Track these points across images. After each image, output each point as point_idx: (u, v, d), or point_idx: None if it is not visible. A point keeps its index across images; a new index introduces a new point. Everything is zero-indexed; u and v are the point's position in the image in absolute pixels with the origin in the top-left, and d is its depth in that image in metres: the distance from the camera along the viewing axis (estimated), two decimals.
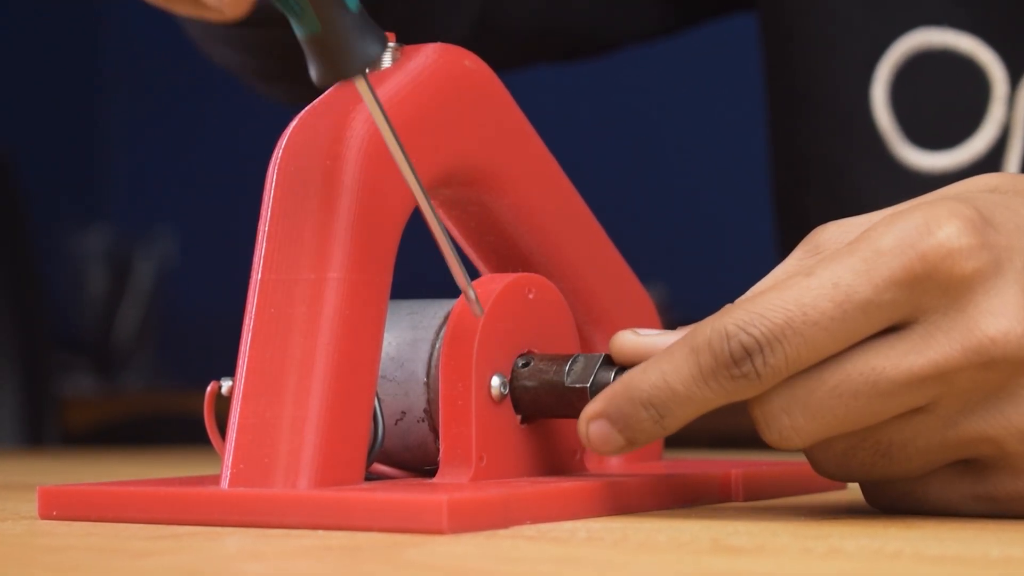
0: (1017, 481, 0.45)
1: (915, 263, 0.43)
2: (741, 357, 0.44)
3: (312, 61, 0.46)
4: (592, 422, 0.46)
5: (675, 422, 0.46)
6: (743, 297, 0.46)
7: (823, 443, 0.46)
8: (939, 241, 0.44)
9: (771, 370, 0.44)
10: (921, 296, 0.44)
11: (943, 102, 0.71)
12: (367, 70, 0.46)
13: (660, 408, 0.45)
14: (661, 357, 0.46)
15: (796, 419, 0.44)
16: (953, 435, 0.45)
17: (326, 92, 0.50)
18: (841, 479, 0.47)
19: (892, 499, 0.47)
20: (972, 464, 0.46)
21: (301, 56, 0.46)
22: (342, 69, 0.46)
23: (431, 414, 0.50)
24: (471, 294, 0.48)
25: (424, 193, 0.48)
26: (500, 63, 0.53)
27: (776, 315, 0.44)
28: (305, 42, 0.46)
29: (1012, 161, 0.70)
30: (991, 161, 0.70)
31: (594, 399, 0.47)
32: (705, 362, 0.44)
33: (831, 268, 0.44)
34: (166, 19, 0.74)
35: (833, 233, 0.46)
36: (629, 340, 0.48)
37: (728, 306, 0.45)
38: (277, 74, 0.74)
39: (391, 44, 0.49)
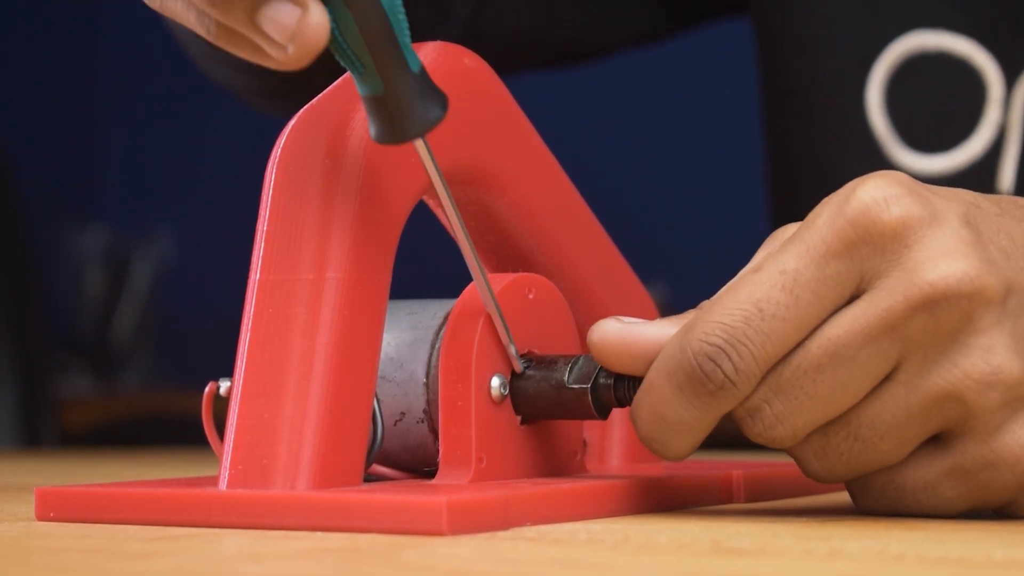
0: (983, 446, 0.45)
1: (846, 230, 0.45)
2: (711, 369, 0.45)
3: (372, 119, 0.46)
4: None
5: (683, 449, 0.47)
6: (706, 302, 0.47)
7: (802, 442, 0.46)
8: (860, 200, 0.45)
9: (743, 374, 0.45)
10: (862, 263, 0.45)
11: (938, 105, 0.71)
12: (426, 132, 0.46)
13: (662, 440, 0.46)
14: (643, 391, 0.47)
15: (775, 405, 0.45)
16: (916, 401, 0.45)
17: (324, 91, 0.49)
18: (826, 477, 0.47)
19: (876, 494, 0.47)
20: (942, 438, 0.46)
21: (299, 74, 0.46)
22: (403, 131, 0.46)
23: (431, 415, 0.50)
24: (512, 350, 0.49)
25: (475, 255, 0.49)
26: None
27: (734, 318, 0.45)
28: (366, 100, 0.46)
29: (1008, 164, 0.70)
30: (987, 164, 0.70)
31: None
32: (683, 383, 0.46)
33: (777, 258, 0.45)
34: (163, 19, 0.74)
35: (792, 230, 0.47)
36: (613, 328, 0.48)
37: (691, 318, 0.46)
38: (280, 91, 0.74)
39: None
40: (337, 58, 0.45)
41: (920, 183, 0.46)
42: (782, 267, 0.45)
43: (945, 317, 0.45)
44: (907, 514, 0.47)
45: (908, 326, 0.45)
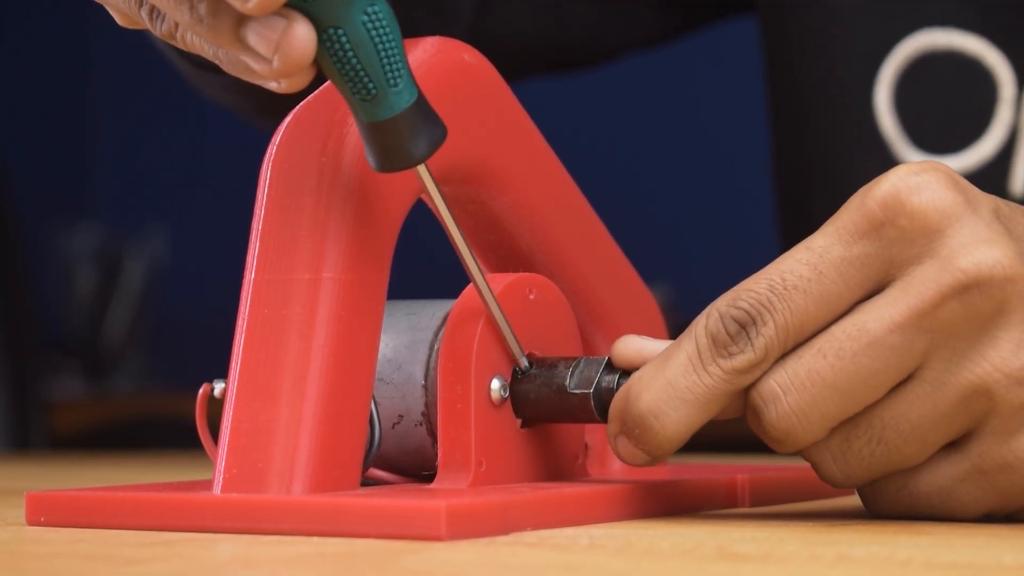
0: (1002, 446, 0.45)
1: (874, 211, 0.45)
2: (736, 331, 0.45)
3: (374, 146, 0.45)
4: (617, 440, 0.47)
5: (679, 424, 0.46)
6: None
7: (821, 446, 0.45)
8: (891, 183, 0.45)
9: (765, 340, 0.45)
10: (890, 247, 0.45)
11: (949, 105, 0.70)
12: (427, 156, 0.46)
13: (663, 409, 0.46)
14: (661, 357, 0.46)
15: (791, 395, 0.45)
16: (943, 399, 0.45)
17: (319, 89, 0.49)
18: (844, 481, 0.46)
19: (890, 499, 0.47)
20: (958, 442, 0.46)
21: (292, 94, 0.46)
22: (408, 157, 0.46)
23: (429, 417, 0.49)
24: (515, 348, 0.49)
25: (478, 268, 0.48)
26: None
27: (760, 286, 0.45)
28: (370, 127, 0.45)
29: (1020, 165, 0.70)
30: (998, 165, 0.70)
31: (611, 417, 0.47)
32: (703, 346, 0.45)
33: (809, 238, 0.46)
34: None
35: None
36: (632, 346, 0.48)
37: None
38: (271, 108, 0.74)
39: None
40: (340, 85, 0.45)
41: (957, 175, 0.46)
42: (810, 244, 0.45)
43: (977, 304, 0.44)
44: (921, 518, 0.46)
45: (938, 314, 0.44)
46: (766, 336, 0.45)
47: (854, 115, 0.72)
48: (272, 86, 0.45)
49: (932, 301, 0.44)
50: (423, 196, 0.50)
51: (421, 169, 0.46)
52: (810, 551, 0.41)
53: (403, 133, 0.45)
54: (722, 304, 0.45)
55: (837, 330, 0.45)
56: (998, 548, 0.41)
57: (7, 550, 0.44)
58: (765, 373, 0.45)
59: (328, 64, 0.45)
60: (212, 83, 0.72)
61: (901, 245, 0.45)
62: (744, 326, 0.45)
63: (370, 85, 0.45)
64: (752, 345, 0.45)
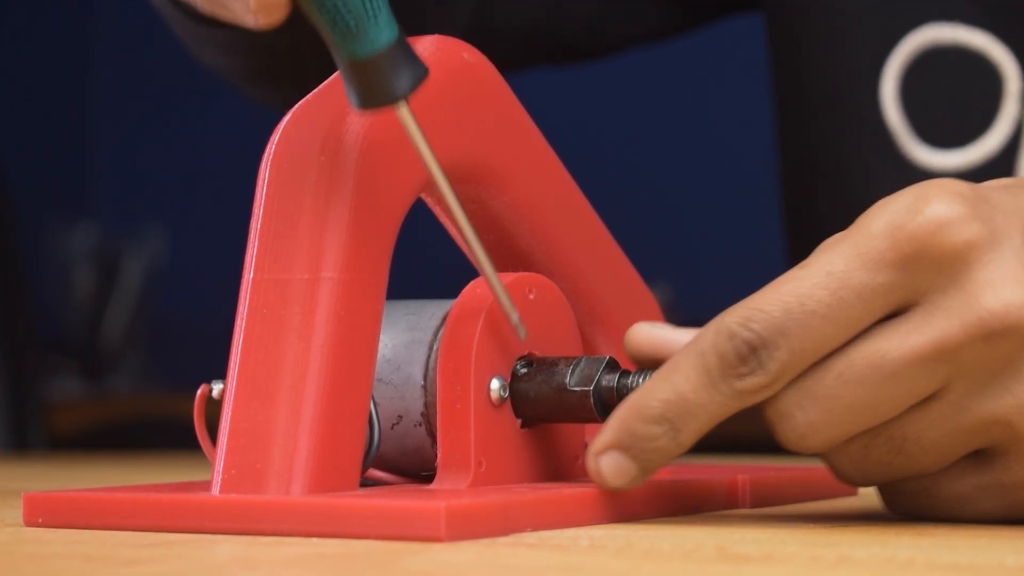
0: None
1: (904, 243, 0.44)
2: (746, 354, 0.44)
3: (356, 85, 0.45)
4: (602, 456, 0.46)
5: (690, 436, 0.45)
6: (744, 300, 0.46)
7: (840, 447, 0.45)
8: (927, 218, 0.44)
9: (777, 364, 0.44)
10: (916, 276, 0.44)
11: (955, 99, 0.70)
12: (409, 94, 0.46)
13: (674, 421, 0.45)
14: (667, 369, 0.45)
15: (809, 413, 0.44)
16: (964, 421, 0.44)
17: (320, 87, 0.49)
18: (862, 483, 0.46)
19: (908, 499, 0.46)
20: (983, 453, 0.45)
21: (288, 57, 0.46)
22: (391, 92, 0.45)
23: (428, 418, 0.49)
24: (514, 318, 0.48)
25: (474, 232, 0.47)
26: (498, 66, 0.52)
27: (775, 308, 0.44)
28: (352, 65, 0.45)
29: None
30: (1004, 159, 0.70)
31: (600, 432, 0.46)
32: (712, 364, 0.44)
33: (825, 257, 0.44)
34: (156, 16, 0.73)
35: None
36: (645, 332, 0.47)
37: (730, 307, 0.45)
38: (266, 76, 0.74)
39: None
40: (320, 22, 0.44)
41: (980, 193, 0.45)
42: (829, 268, 0.44)
43: (1002, 346, 0.44)
44: (939, 520, 0.46)
45: (961, 352, 0.44)
46: (779, 360, 0.44)
47: (860, 109, 0.71)
48: (249, 22, 0.45)
49: (956, 339, 0.43)
50: (423, 195, 0.49)
51: (403, 112, 0.46)
52: (811, 552, 0.41)
53: (385, 70, 0.45)
54: (733, 321, 0.44)
55: (856, 355, 0.44)
56: (1000, 549, 0.41)
57: (5, 551, 0.44)
58: (781, 391, 0.44)
59: (307, 0, 0.44)
60: (209, 42, 0.71)
61: (927, 274, 0.44)
62: (755, 349, 0.44)
63: (350, 20, 0.44)
64: (764, 368, 0.44)
